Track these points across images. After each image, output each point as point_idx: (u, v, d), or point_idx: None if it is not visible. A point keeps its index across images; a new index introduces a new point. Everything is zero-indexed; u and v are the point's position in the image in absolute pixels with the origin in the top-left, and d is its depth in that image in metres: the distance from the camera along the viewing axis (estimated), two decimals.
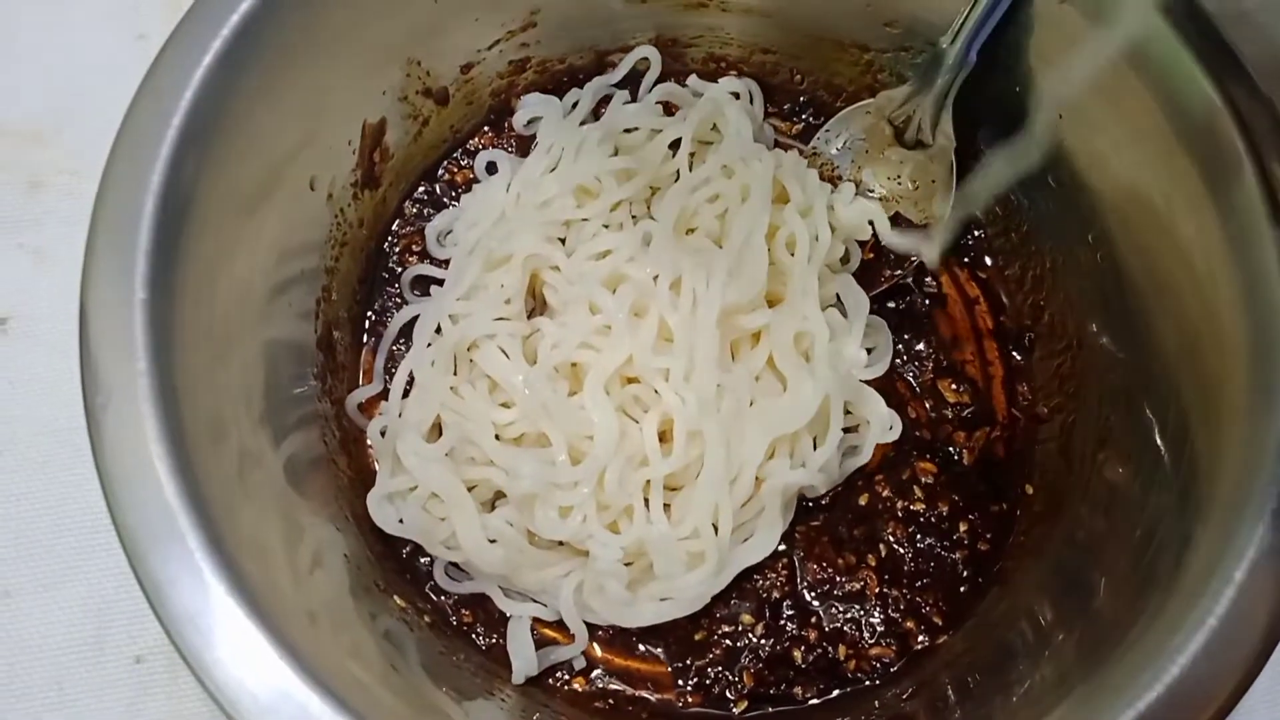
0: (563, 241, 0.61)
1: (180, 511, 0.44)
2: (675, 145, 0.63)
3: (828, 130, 0.66)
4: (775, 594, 0.58)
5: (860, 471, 0.61)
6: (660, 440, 0.56)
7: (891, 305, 0.65)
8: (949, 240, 0.65)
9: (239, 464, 0.49)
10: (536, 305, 0.62)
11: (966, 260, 0.66)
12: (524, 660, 0.56)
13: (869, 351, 0.62)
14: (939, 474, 0.61)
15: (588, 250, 0.60)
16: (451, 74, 0.63)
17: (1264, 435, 0.46)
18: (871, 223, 0.64)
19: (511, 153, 0.67)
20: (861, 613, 0.58)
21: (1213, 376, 0.50)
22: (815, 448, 0.58)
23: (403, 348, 0.62)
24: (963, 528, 0.60)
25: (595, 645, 0.58)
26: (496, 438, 0.57)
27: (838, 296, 0.62)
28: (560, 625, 0.57)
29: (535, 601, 0.58)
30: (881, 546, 0.59)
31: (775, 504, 0.57)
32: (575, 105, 0.67)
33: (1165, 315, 0.54)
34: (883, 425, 0.61)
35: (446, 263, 0.63)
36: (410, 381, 0.59)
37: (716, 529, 0.56)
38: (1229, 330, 0.50)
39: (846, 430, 0.59)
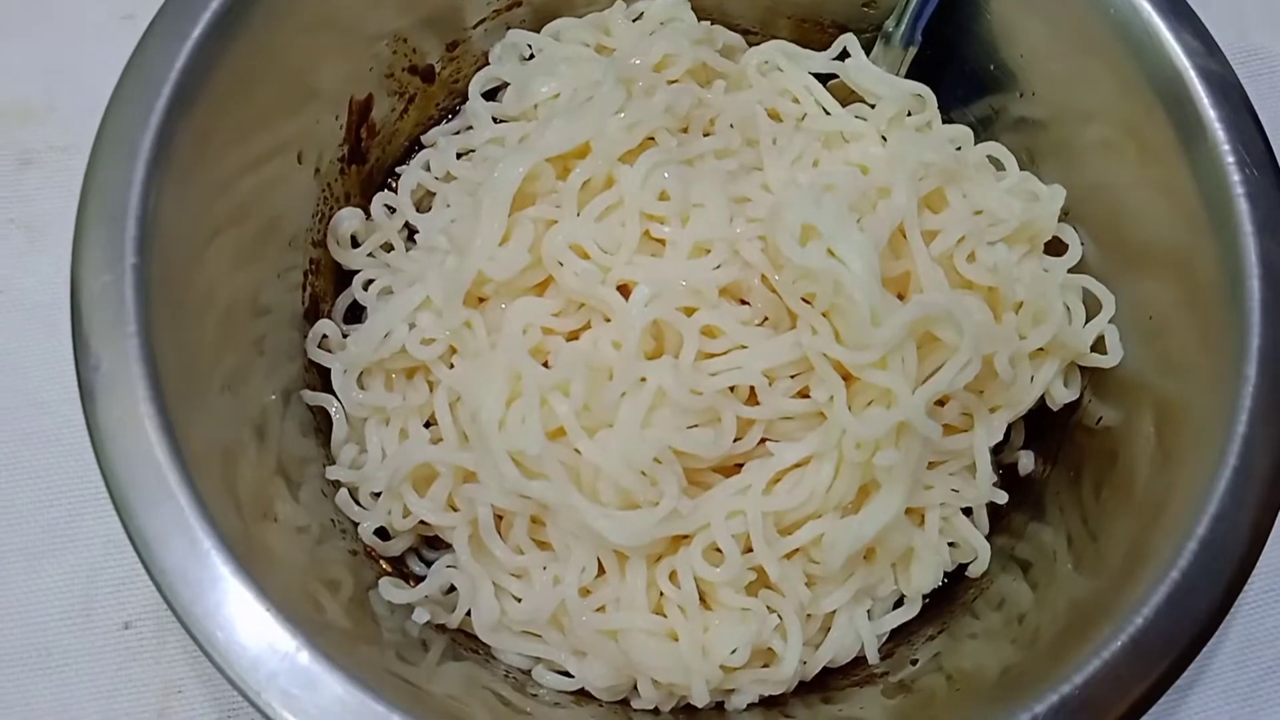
0: None
1: (170, 470, 0.45)
2: None
3: None
4: None
5: None
6: None
7: None
8: None
9: (230, 425, 0.50)
10: None
11: None
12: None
13: None
14: None
15: None
16: (437, 52, 0.64)
17: (1231, 396, 0.48)
18: None
19: None
20: None
21: (1184, 340, 0.52)
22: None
23: None
24: None
25: None
26: None
27: None
28: None
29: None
30: None
31: None
32: None
33: (1137, 290, 0.56)
34: None
35: None
36: None
37: None
38: (1197, 295, 0.52)
39: None
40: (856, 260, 0.50)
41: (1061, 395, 0.57)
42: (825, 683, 0.55)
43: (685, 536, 0.52)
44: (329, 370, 0.58)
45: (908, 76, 0.62)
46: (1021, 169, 0.61)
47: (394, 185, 0.64)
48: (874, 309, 0.50)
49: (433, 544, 0.58)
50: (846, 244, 0.50)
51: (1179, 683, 0.45)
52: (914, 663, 0.54)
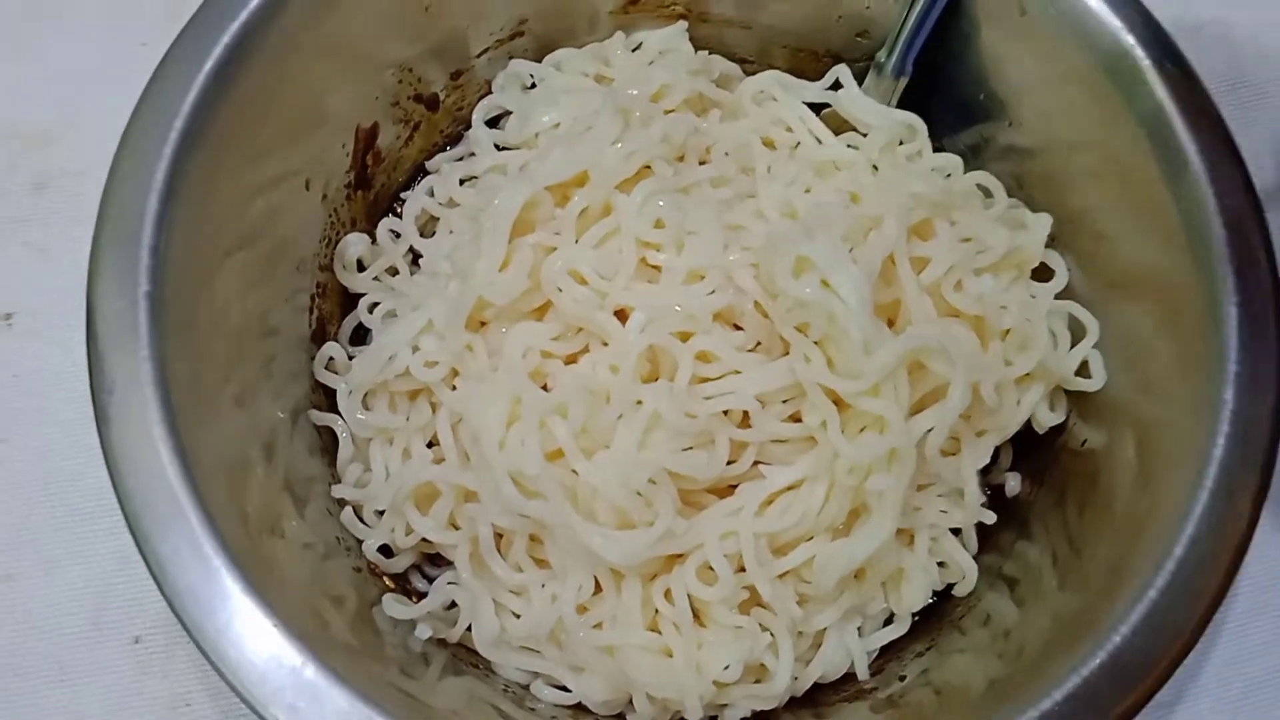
0: None
1: (182, 491, 0.47)
2: None
3: None
4: None
5: None
6: None
7: None
8: None
9: (240, 444, 0.52)
10: None
11: None
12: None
13: None
14: None
15: None
16: (441, 80, 0.66)
17: (1209, 420, 0.49)
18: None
19: None
20: None
21: (1165, 365, 0.54)
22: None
23: None
24: None
25: None
26: None
27: None
28: None
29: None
30: None
31: None
32: None
33: (1120, 315, 0.57)
34: None
35: None
36: None
37: None
38: (1178, 321, 0.53)
39: None
40: (850, 293, 0.51)
41: (1047, 419, 0.59)
42: (816, 698, 0.56)
43: (680, 556, 0.53)
44: (335, 391, 0.60)
45: (899, 105, 0.64)
46: (1010, 195, 0.62)
47: (399, 211, 0.66)
48: (866, 339, 0.51)
49: (435, 561, 0.59)
50: (841, 276, 0.52)
51: (1165, 698, 0.46)
52: (902, 678, 0.55)
